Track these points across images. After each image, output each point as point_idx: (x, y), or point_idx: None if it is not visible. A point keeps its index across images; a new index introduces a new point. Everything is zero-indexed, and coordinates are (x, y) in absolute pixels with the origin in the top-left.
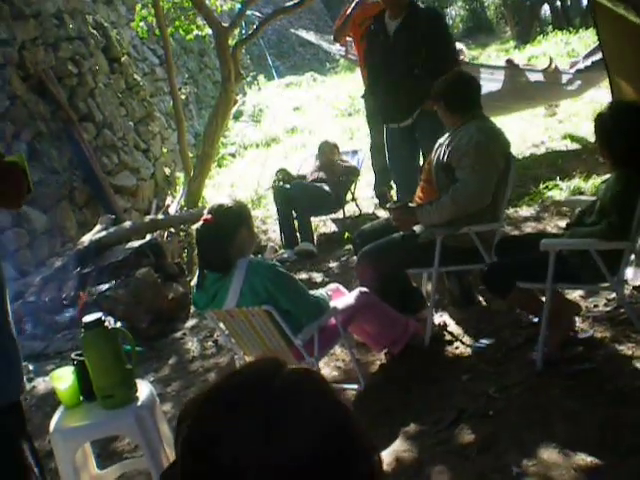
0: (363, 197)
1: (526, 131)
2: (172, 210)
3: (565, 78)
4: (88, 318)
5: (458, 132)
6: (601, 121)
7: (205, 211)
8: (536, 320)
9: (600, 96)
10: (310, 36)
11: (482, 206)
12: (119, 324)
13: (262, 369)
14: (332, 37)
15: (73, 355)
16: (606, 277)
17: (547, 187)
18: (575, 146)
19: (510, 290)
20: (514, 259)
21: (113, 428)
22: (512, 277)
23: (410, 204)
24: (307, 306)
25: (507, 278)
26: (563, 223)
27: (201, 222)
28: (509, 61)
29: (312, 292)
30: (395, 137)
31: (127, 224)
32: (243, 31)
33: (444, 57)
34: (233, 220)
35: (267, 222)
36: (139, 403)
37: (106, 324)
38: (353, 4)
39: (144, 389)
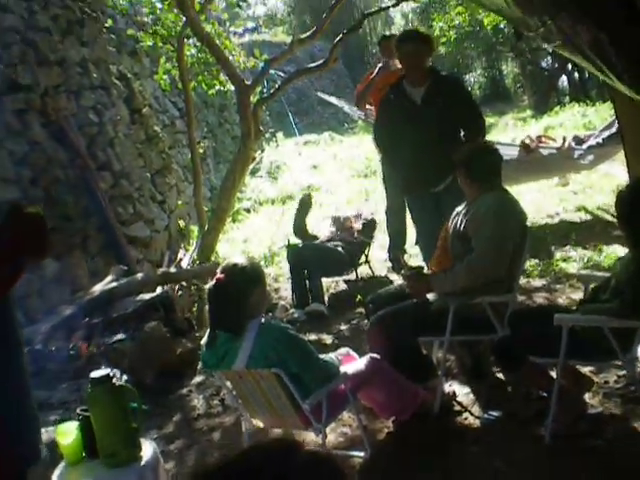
0: (376, 259)
1: (541, 201)
2: (185, 263)
3: (577, 153)
4: (96, 373)
5: (476, 202)
6: (621, 200)
7: (218, 270)
8: (545, 394)
9: (614, 169)
10: (332, 99)
11: (496, 277)
12: (125, 377)
13: (275, 451)
14: (354, 101)
15: (79, 410)
16: (618, 354)
17: (560, 258)
18: (589, 218)
19: (521, 364)
20: (526, 332)
21: None
22: (523, 350)
23: (424, 271)
24: (317, 371)
25: (518, 351)
26: (575, 295)
27: (214, 281)
28: (523, 143)
29: (322, 356)
30: (423, 204)
31: (139, 276)
32: (265, 89)
33: (474, 122)
34: (246, 280)
35: (279, 280)
36: (142, 463)
37: (114, 381)
38: (377, 69)
39: (148, 448)
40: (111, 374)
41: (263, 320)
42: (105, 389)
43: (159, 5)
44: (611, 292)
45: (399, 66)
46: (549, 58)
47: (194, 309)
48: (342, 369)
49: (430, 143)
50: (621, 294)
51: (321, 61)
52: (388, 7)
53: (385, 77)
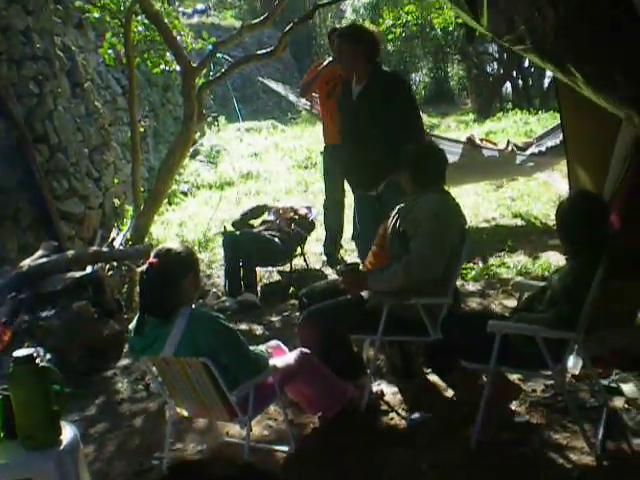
0: (312, 252)
1: (479, 205)
2: (117, 243)
3: (519, 159)
4: (19, 352)
5: (418, 202)
6: (562, 211)
7: (152, 254)
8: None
9: (552, 178)
10: (278, 87)
11: (433, 278)
12: (48, 356)
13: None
14: (298, 90)
15: None
16: (549, 364)
17: (495, 264)
18: (525, 225)
19: (452, 368)
20: (459, 337)
21: (31, 471)
22: (455, 355)
23: (360, 268)
24: (246, 363)
25: (450, 355)
26: (509, 302)
27: (146, 265)
28: (470, 139)
29: (252, 348)
30: (362, 203)
31: (70, 253)
32: (211, 72)
33: (408, 124)
34: (180, 266)
35: (212, 267)
36: (62, 447)
37: (37, 361)
38: (325, 62)
39: (68, 432)
40: (35, 354)
41: (194, 307)
42: (28, 369)
43: None
44: (546, 302)
45: None
46: (494, 63)
47: (124, 290)
48: (271, 362)
49: (367, 140)
50: (556, 305)
51: (270, 49)
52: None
53: (333, 70)
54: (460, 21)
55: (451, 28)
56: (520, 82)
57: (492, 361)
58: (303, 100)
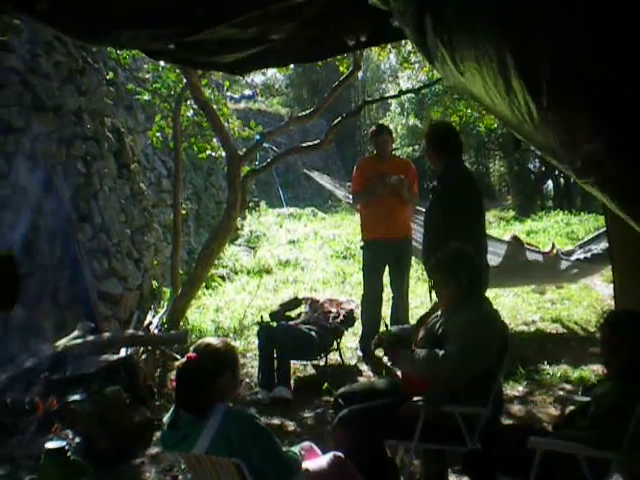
0: (347, 347)
1: (518, 307)
2: (153, 326)
3: (564, 265)
4: (51, 444)
5: (455, 310)
6: (608, 328)
7: (191, 348)
8: None
9: (594, 282)
10: (325, 181)
11: (452, 386)
12: (77, 439)
13: None
14: (349, 193)
15: (28, 479)
16: None
17: (535, 370)
18: (565, 331)
19: None
20: (498, 450)
21: None
22: (493, 468)
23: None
24: (279, 465)
25: (488, 469)
26: (549, 409)
27: (184, 359)
28: (515, 237)
29: (285, 449)
30: None
31: (106, 335)
32: (256, 160)
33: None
34: (218, 363)
35: (246, 355)
36: None
37: (68, 454)
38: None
39: None
40: (66, 446)
41: (230, 405)
42: (59, 462)
43: (162, 64)
44: (590, 419)
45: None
46: (536, 160)
47: (156, 375)
48: (304, 465)
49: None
50: (600, 424)
51: (316, 141)
52: (388, 97)
53: (371, 165)
54: None
55: (495, 126)
56: (562, 180)
57: (532, 478)
58: (348, 195)
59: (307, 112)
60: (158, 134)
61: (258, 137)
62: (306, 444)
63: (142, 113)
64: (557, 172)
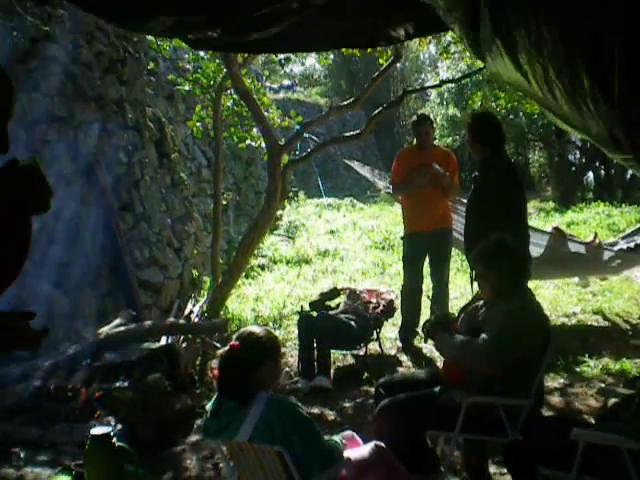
0: (387, 337)
1: (559, 299)
2: (194, 314)
3: (607, 255)
4: (96, 430)
5: (497, 301)
6: None
7: (234, 337)
8: None
9: (635, 273)
10: (365, 171)
11: (484, 373)
12: (120, 426)
13: None
14: (388, 183)
15: (73, 465)
16: (632, 477)
17: (576, 361)
18: (606, 324)
19: (531, 474)
20: (539, 441)
21: None
22: (534, 459)
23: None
24: (320, 454)
25: (529, 460)
26: (590, 401)
27: (227, 347)
28: (557, 229)
29: (327, 438)
30: None
31: (147, 323)
32: (296, 151)
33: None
34: (260, 352)
35: (286, 345)
36: None
37: (113, 440)
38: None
39: None
40: (111, 433)
41: (272, 393)
42: (104, 448)
43: (202, 54)
44: (634, 412)
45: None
46: (577, 152)
47: (197, 364)
48: (345, 454)
49: None
50: None
51: (357, 131)
52: (429, 87)
53: (412, 155)
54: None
55: (535, 116)
56: (602, 172)
57: (574, 470)
58: (388, 186)
59: (347, 102)
60: (198, 124)
61: (298, 127)
62: (347, 433)
63: (182, 103)
64: (598, 163)
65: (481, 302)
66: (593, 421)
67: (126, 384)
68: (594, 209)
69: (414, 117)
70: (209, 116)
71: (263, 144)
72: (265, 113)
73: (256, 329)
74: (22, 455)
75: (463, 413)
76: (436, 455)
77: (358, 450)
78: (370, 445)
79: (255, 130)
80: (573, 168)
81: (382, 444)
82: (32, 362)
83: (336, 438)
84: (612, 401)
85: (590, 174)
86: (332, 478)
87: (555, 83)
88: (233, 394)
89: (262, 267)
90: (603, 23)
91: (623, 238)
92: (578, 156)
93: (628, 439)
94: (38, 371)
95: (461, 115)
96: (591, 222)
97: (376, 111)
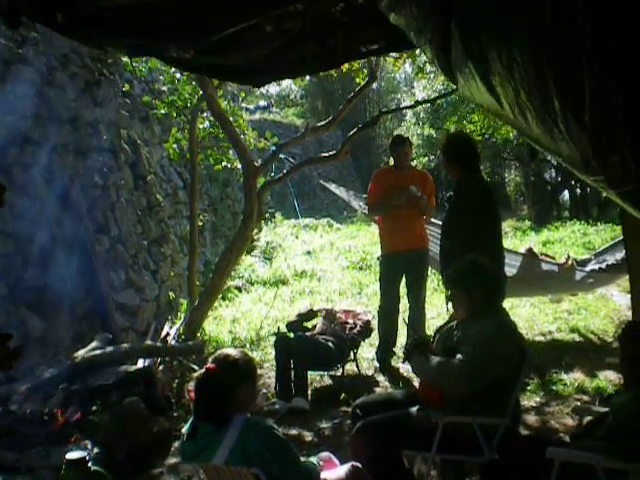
0: (364, 357)
1: (535, 318)
2: (170, 337)
3: (579, 275)
4: (72, 455)
5: (472, 321)
6: (627, 340)
7: (210, 359)
8: None
9: (610, 291)
10: (341, 192)
11: (461, 393)
12: (96, 450)
13: None
14: (364, 204)
15: None
16: None
17: (552, 380)
18: (582, 341)
19: None
20: (516, 460)
21: None
22: (511, 478)
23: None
24: (297, 475)
25: (506, 478)
26: (566, 420)
27: (203, 370)
28: (530, 250)
29: (304, 459)
30: None
31: (124, 346)
32: (272, 171)
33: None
34: (237, 374)
35: (263, 366)
36: None
37: (89, 465)
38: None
39: None
40: (87, 457)
41: (249, 416)
42: (80, 473)
43: (178, 76)
44: (608, 430)
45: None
46: (553, 171)
47: (174, 386)
48: (322, 475)
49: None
50: (618, 434)
51: (332, 152)
52: (404, 107)
53: (388, 177)
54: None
55: (511, 135)
56: (578, 191)
57: None
58: (365, 206)
59: (323, 123)
60: (174, 146)
61: (274, 148)
62: (324, 454)
63: (158, 125)
64: (573, 182)
65: (456, 322)
66: (569, 439)
67: (102, 408)
68: (570, 228)
69: (392, 138)
70: (185, 138)
71: (239, 165)
72: (241, 135)
73: (232, 351)
74: None
75: (440, 433)
76: (413, 475)
77: (335, 471)
78: (347, 466)
79: (231, 152)
80: (549, 187)
81: (359, 465)
82: (8, 386)
83: (313, 459)
84: (587, 419)
85: (566, 193)
86: None
87: (526, 104)
88: (210, 417)
89: (239, 288)
90: (573, 45)
91: (595, 256)
92: (554, 175)
93: (603, 457)
94: (14, 395)
95: (437, 135)
96: (567, 241)
97: (352, 132)
